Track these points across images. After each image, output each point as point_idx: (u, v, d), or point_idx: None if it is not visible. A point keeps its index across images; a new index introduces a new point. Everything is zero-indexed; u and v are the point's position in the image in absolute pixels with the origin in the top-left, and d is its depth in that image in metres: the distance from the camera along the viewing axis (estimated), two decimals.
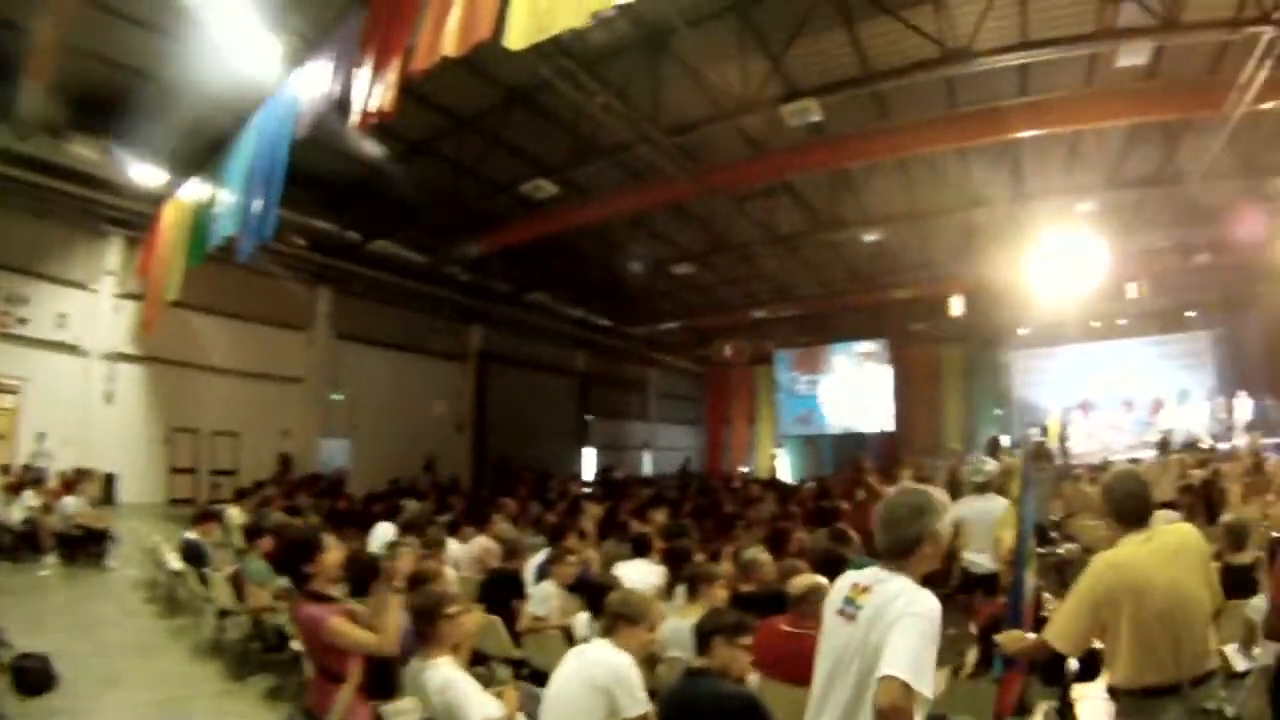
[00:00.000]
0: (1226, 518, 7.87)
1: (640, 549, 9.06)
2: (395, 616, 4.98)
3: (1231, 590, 6.67)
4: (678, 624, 5.79)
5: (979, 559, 9.06)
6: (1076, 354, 31.19)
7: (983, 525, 9.01)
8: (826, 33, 14.46)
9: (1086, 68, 15.73)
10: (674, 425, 38.59)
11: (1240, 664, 5.92)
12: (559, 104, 15.69)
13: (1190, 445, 22.43)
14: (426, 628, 4.97)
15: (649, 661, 5.66)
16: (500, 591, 8.13)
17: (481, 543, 10.56)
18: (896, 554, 3.45)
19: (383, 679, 5.20)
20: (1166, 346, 30.44)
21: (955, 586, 9.06)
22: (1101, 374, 30.25)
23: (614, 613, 4.87)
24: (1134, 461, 17.64)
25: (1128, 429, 28.33)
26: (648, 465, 35.86)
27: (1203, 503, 11.22)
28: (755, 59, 14.51)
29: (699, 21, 13.85)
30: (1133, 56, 13.83)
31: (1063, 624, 4.38)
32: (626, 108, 14.09)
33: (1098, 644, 4.41)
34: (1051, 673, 5.09)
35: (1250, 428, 24.17)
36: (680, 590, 6.91)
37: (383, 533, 10.96)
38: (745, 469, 34.16)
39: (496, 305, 25.90)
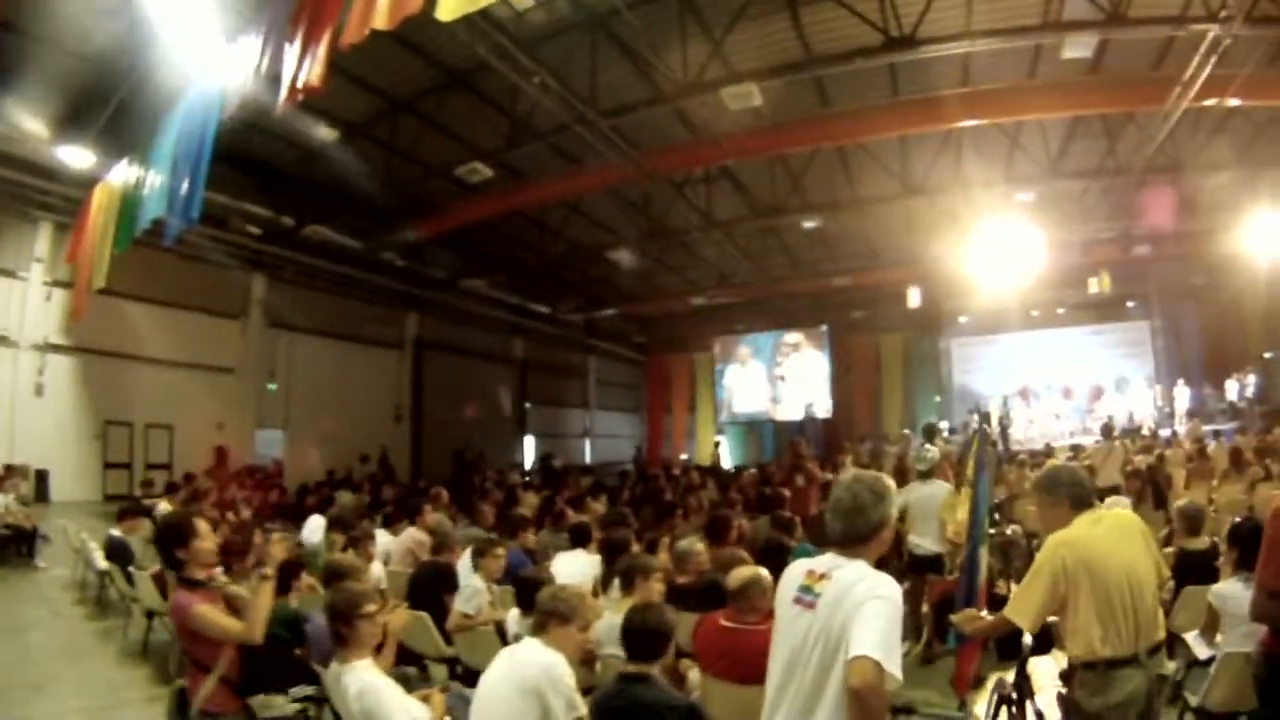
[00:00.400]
0: (1180, 503, 7.81)
1: (579, 539, 8.82)
2: (263, 605, 4.72)
3: (1187, 576, 7.01)
4: (614, 620, 5.39)
5: (923, 542, 9.38)
6: (1016, 342, 31.44)
7: (928, 510, 9.30)
8: (769, 17, 14.41)
9: (1031, 60, 15.95)
10: (614, 413, 38.44)
11: (1201, 651, 5.90)
12: (496, 86, 15.51)
13: (1132, 431, 22.68)
14: (342, 628, 4.67)
15: (586, 659, 5.48)
16: (429, 586, 7.87)
17: (412, 535, 10.30)
18: (856, 540, 3.41)
19: (255, 672, 4.98)
20: (1106, 335, 30.99)
21: (903, 568, 9.37)
22: (1041, 362, 30.59)
23: (544, 610, 4.64)
24: (1076, 448, 18.34)
25: (1068, 416, 28.67)
26: (588, 453, 35.69)
27: (1150, 487, 11.29)
28: (696, 42, 14.37)
29: (639, 3, 13.60)
30: (1078, 49, 13.86)
31: (1023, 601, 4.55)
32: (564, 89, 13.83)
33: (1051, 618, 4.58)
34: (1008, 647, 5.14)
35: (1191, 415, 24.61)
36: (617, 583, 6.62)
37: (315, 525, 10.73)
38: (685, 456, 34.06)
39: (433, 292, 25.51)
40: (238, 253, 19.72)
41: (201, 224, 16.52)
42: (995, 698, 5.22)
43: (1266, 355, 27.91)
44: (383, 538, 10.11)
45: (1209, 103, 15.01)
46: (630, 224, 23.58)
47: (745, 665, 4.30)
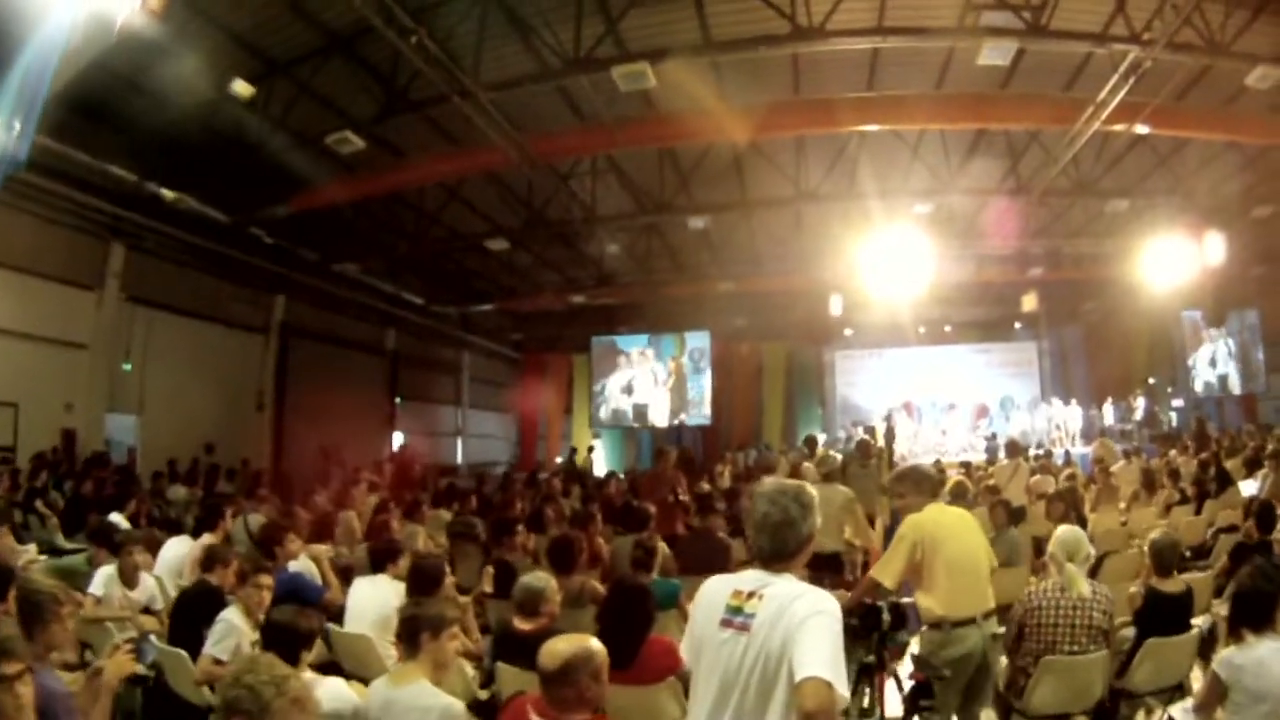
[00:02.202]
0: (1154, 535, 6.66)
1: (379, 561, 7.20)
2: None
3: (1154, 624, 6.19)
4: (390, 694, 4.27)
5: (824, 540, 9.11)
6: (901, 357, 31.87)
7: (828, 511, 8.84)
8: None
9: (940, 70, 15.70)
10: (488, 412, 37.27)
11: None
12: (377, 55, 14.67)
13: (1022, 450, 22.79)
14: None
15: None
16: (192, 614, 6.36)
17: (204, 543, 8.39)
18: (785, 556, 3.32)
19: None
20: (992, 354, 32.02)
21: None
22: (926, 378, 31.06)
23: (225, 702, 2.92)
24: (966, 464, 19.01)
25: (953, 432, 29.07)
26: (459, 453, 34.60)
27: (1073, 510, 10.62)
28: (592, 21, 13.66)
29: None
30: (996, 55, 13.42)
31: (886, 565, 5.76)
32: (446, 56, 12.98)
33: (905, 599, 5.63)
34: (869, 623, 5.53)
35: (1103, 433, 25.27)
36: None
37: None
38: (560, 459, 32.90)
39: (303, 275, 24.15)
40: (96, 218, 18.11)
41: (60, 183, 15.61)
42: (857, 667, 5.50)
43: (1150, 381, 29.27)
44: (180, 547, 8.73)
45: (1118, 127, 15.21)
46: (511, 214, 22.67)
47: None
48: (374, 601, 6.42)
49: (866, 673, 5.60)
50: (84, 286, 18.54)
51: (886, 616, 5.41)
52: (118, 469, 16.81)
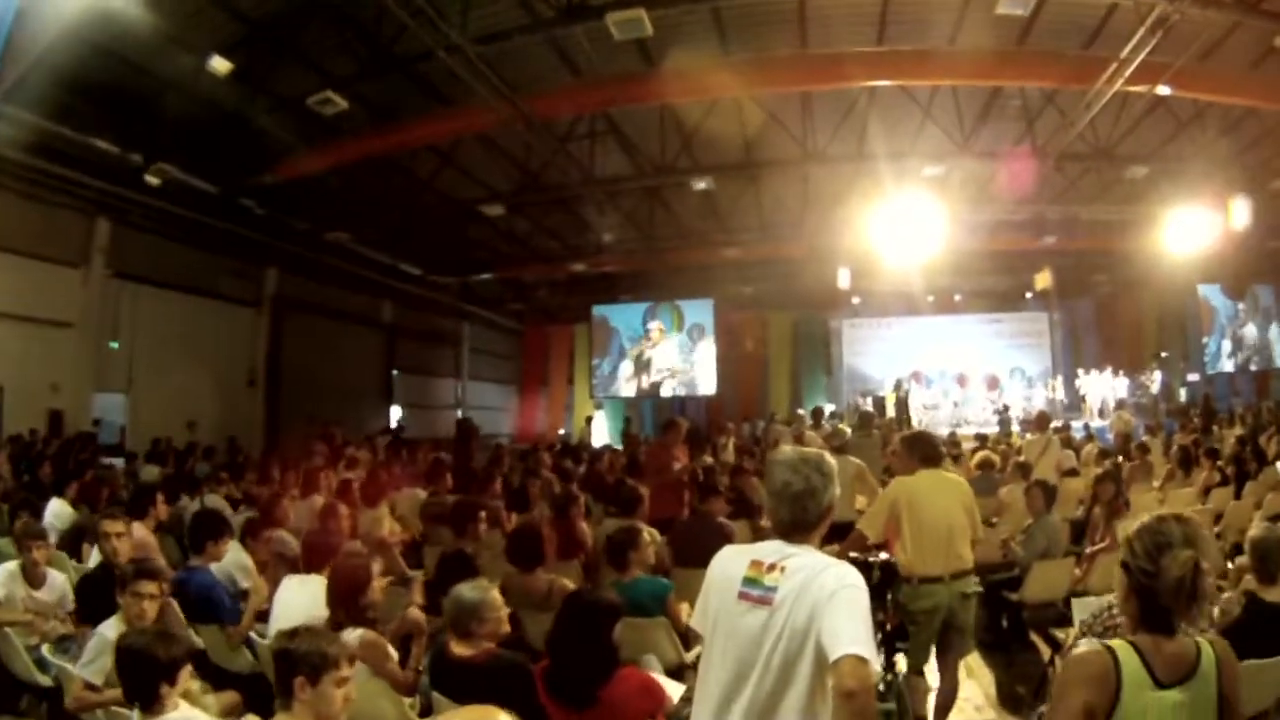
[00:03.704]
0: (1254, 531, 5.00)
1: (312, 557, 6.12)
2: None
3: (1255, 643, 4.39)
4: None
5: (839, 509, 8.73)
6: (909, 326, 31.81)
7: (842, 480, 8.46)
8: None
9: (954, 27, 15.19)
10: (488, 384, 36.92)
11: None
12: (360, 9, 14.03)
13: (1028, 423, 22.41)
14: None
15: None
16: (98, 605, 5.48)
17: (139, 535, 7.22)
18: (806, 527, 3.27)
19: None
20: (1002, 325, 31.79)
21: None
22: (934, 347, 31.08)
23: None
24: (982, 437, 18.86)
25: (965, 403, 29.35)
26: None
27: (1121, 492, 9.72)
28: None
29: None
30: (1015, 5, 13.10)
31: (869, 519, 6.52)
32: (430, 7, 12.35)
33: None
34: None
35: (1121, 406, 24.79)
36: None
37: (54, 509, 9.00)
38: (562, 431, 33.07)
39: (295, 246, 23.51)
40: (80, 192, 17.58)
41: (41, 158, 15.25)
42: None
43: (1163, 355, 29.31)
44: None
45: (1139, 88, 14.88)
46: (507, 180, 22.17)
47: None
48: (301, 604, 5.30)
49: None
50: (69, 264, 18.19)
51: (877, 573, 5.43)
52: (85, 450, 16.18)
